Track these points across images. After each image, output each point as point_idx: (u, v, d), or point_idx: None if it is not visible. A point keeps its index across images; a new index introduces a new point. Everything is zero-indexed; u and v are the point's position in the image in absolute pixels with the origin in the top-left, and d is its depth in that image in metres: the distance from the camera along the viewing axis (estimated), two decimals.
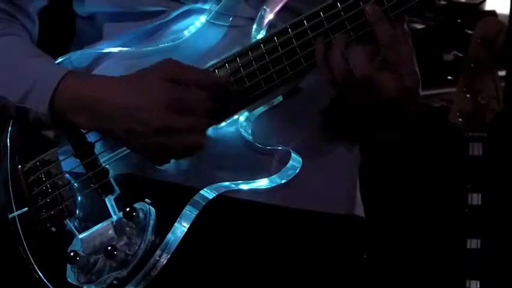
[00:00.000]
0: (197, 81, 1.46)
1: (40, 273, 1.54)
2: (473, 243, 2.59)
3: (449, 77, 2.66)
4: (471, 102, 2.58)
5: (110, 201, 1.52)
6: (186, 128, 1.44)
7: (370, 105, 1.46)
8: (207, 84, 1.45)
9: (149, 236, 1.48)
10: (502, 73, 2.65)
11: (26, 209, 1.56)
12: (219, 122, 1.50)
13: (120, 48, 1.56)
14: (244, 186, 1.50)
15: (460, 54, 2.59)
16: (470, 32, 2.57)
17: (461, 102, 2.59)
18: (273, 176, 1.49)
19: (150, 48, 1.55)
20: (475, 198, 2.62)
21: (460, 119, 2.59)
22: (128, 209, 1.49)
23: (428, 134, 2.82)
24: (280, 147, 1.50)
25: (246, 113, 1.51)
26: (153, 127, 1.43)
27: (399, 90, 1.43)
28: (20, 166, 1.57)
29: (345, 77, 1.42)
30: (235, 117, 1.50)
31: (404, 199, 3.15)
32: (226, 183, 1.49)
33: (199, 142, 1.45)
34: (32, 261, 1.54)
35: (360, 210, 1.63)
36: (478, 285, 2.57)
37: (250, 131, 1.51)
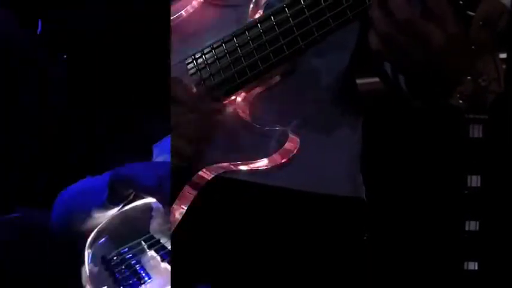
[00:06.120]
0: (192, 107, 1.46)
1: None
2: (472, 225, 2.59)
3: None
4: (472, 84, 2.56)
5: None
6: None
7: (419, 61, 1.36)
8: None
9: None
10: (503, 55, 2.64)
11: None
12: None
13: None
14: (242, 167, 1.49)
15: None
16: (472, 13, 2.55)
17: (461, 83, 2.58)
18: (272, 157, 1.49)
19: None
20: (475, 180, 2.62)
21: (461, 101, 2.58)
22: None
23: (428, 115, 2.81)
24: (277, 128, 1.50)
25: (244, 94, 1.50)
26: None
27: (445, 37, 1.34)
28: None
29: (386, 25, 1.32)
30: (233, 97, 1.50)
31: (403, 181, 3.14)
32: (225, 164, 1.49)
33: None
34: None
35: (361, 192, 1.63)
36: (476, 267, 2.57)
37: (248, 112, 1.50)
